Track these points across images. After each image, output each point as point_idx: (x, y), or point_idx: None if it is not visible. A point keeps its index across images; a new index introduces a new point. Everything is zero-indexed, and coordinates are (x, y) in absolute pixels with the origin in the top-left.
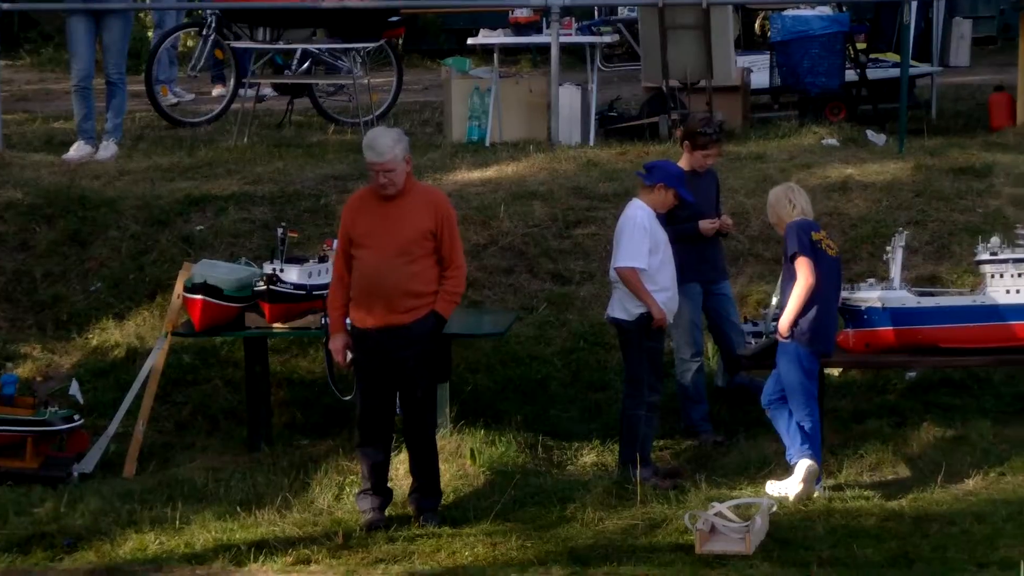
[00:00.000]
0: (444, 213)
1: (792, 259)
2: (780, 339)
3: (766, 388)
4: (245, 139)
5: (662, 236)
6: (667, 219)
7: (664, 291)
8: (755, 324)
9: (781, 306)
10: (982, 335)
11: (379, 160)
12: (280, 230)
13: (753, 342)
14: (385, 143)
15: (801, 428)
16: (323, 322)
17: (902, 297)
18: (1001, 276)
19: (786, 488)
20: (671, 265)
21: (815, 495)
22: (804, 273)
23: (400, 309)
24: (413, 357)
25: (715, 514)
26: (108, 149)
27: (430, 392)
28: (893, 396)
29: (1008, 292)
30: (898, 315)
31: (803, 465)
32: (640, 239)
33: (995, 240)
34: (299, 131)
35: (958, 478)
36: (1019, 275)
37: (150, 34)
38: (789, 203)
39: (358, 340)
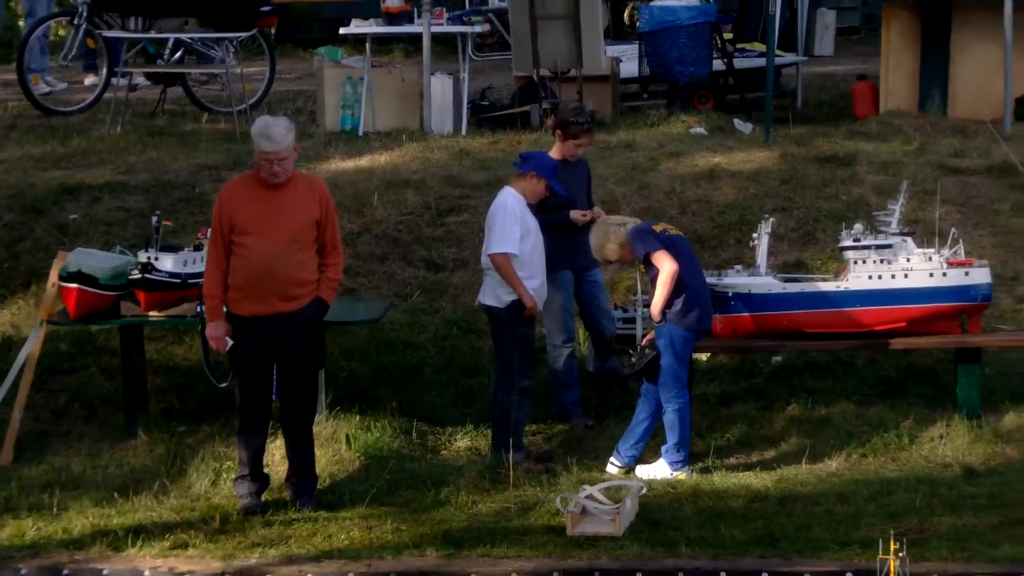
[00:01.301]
0: (327, 201)
1: (647, 260)
2: (655, 323)
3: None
4: (118, 128)
5: (533, 223)
6: (538, 208)
7: (534, 278)
8: (625, 311)
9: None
10: (846, 320)
11: (273, 149)
12: (155, 219)
13: (641, 335)
14: (279, 131)
15: (677, 417)
16: (199, 310)
17: (768, 283)
18: (864, 262)
19: (655, 471)
20: (541, 252)
21: (683, 477)
22: (665, 263)
23: (290, 296)
24: (303, 343)
25: (586, 497)
26: None
27: (313, 378)
28: (759, 380)
29: (871, 278)
30: (764, 301)
31: (677, 459)
32: (512, 225)
33: (858, 227)
34: (173, 120)
35: (822, 459)
36: (881, 261)
37: (21, 23)
38: (619, 228)
39: (242, 328)
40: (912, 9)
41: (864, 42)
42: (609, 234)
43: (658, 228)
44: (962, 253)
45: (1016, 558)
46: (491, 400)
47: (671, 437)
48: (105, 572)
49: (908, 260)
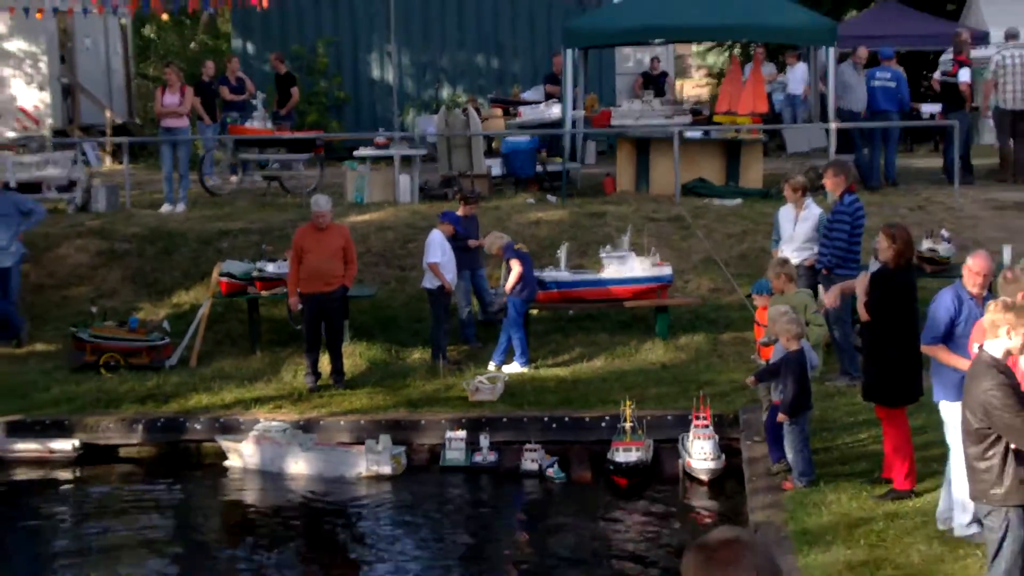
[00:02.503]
0: (347, 236)
1: (509, 260)
2: (507, 296)
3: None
4: (245, 202)
5: (448, 247)
6: (451, 239)
7: (449, 273)
8: (495, 291)
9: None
10: (604, 293)
11: (320, 211)
12: (264, 246)
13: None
14: (324, 201)
15: (520, 341)
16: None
17: (564, 275)
18: (612, 263)
19: (512, 368)
20: (453, 260)
21: (526, 371)
22: (516, 268)
23: (328, 283)
24: (336, 306)
25: (478, 381)
26: None
27: (341, 323)
28: (563, 323)
29: (617, 271)
30: (563, 284)
31: (522, 362)
32: (436, 247)
33: (608, 247)
34: (273, 198)
35: (594, 361)
36: (620, 262)
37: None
38: (499, 239)
39: (305, 299)
40: (631, 141)
41: (610, 157)
42: (493, 243)
43: (517, 246)
44: (658, 259)
45: (685, 409)
46: (429, 334)
47: (518, 349)
48: (240, 419)
49: (634, 262)
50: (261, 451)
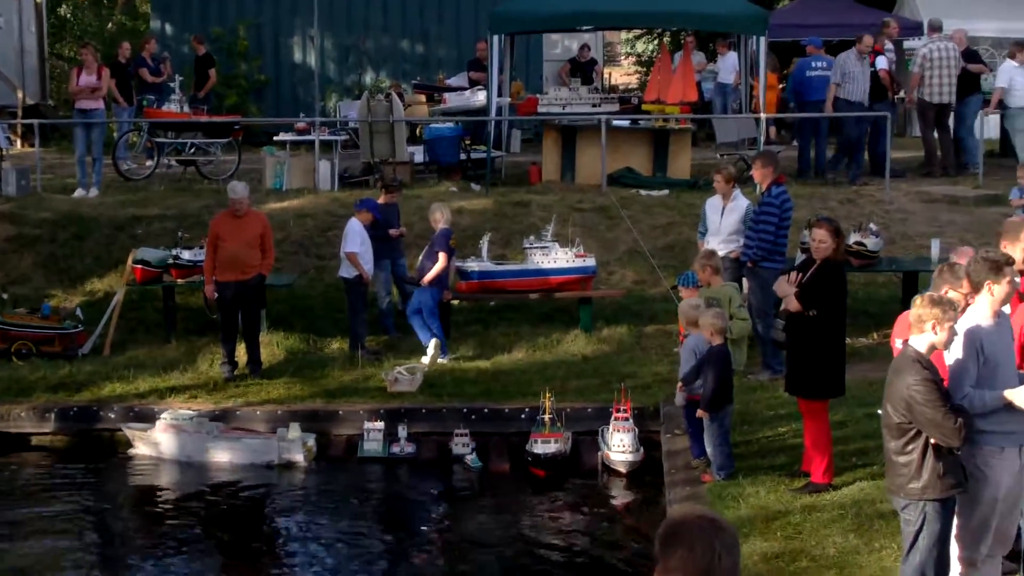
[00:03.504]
0: (265, 224)
1: (436, 252)
2: (423, 286)
3: (410, 306)
4: (161, 187)
5: (366, 236)
6: (371, 228)
7: (367, 264)
8: (411, 280)
9: (421, 272)
10: (525, 284)
11: (237, 197)
12: (180, 233)
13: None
14: (241, 188)
15: (430, 328)
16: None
17: (487, 265)
18: (535, 254)
19: (431, 358)
20: (370, 250)
21: (446, 362)
22: (442, 258)
23: (245, 271)
24: (253, 295)
25: (397, 372)
26: None
27: (258, 312)
28: (483, 314)
29: (540, 261)
30: (485, 274)
31: (434, 345)
32: (354, 235)
33: (532, 237)
34: (189, 183)
35: (516, 353)
36: (544, 253)
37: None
38: (440, 215)
39: (221, 287)
40: (558, 129)
41: (536, 145)
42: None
43: (452, 242)
44: (582, 250)
45: (606, 401)
46: (348, 323)
47: (427, 336)
48: (156, 409)
49: (558, 253)
50: (169, 439)
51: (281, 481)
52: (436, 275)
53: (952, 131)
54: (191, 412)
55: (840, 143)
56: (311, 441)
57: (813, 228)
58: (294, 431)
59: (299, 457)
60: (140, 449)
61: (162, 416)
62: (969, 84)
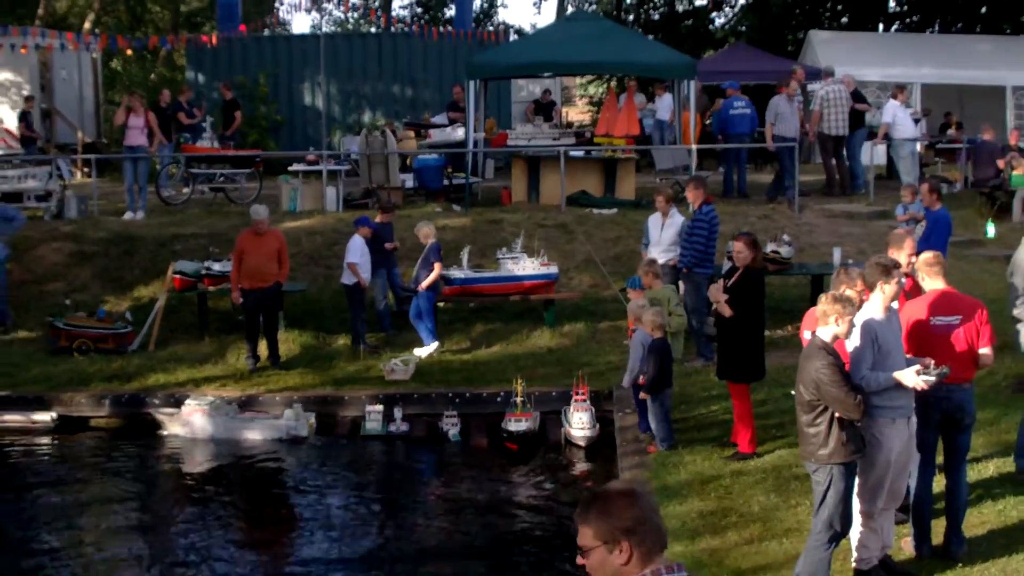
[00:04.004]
0: (282, 240)
1: (431, 263)
2: (422, 290)
3: (412, 310)
4: (196, 210)
5: (366, 249)
6: (369, 243)
7: (366, 272)
8: (406, 288)
9: (417, 281)
10: (499, 288)
11: (259, 219)
12: (212, 248)
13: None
14: (262, 210)
15: (428, 328)
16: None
17: (468, 272)
18: (507, 263)
19: (424, 351)
20: (369, 261)
21: (435, 354)
22: (437, 269)
23: (265, 280)
24: (272, 299)
25: (393, 363)
26: None
27: (276, 314)
28: (465, 312)
29: (512, 269)
30: (466, 280)
31: (431, 345)
32: (356, 249)
33: (504, 249)
34: (220, 207)
35: (495, 347)
36: (514, 262)
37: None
38: (428, 230)
39: (245, 293)
40: (524, 159)
41: (506, 172)
42: (425, 232)
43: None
44: (546, 259)
45: (567, 386)
46: (351, 322)
47: (427, 334)
48: (190, 395)
49: (526, 262)
50: (194, 421)
51: (293, 454)
52: (433, 280)
53: (845, 159)
54: (212, 397)
55: (776, 173)
56: (312, 419)
57: (734, 241)
58: (297, 410)
59: (304, 432)
60: (171, 430)
61: (187, 402)
62: (856, 120)
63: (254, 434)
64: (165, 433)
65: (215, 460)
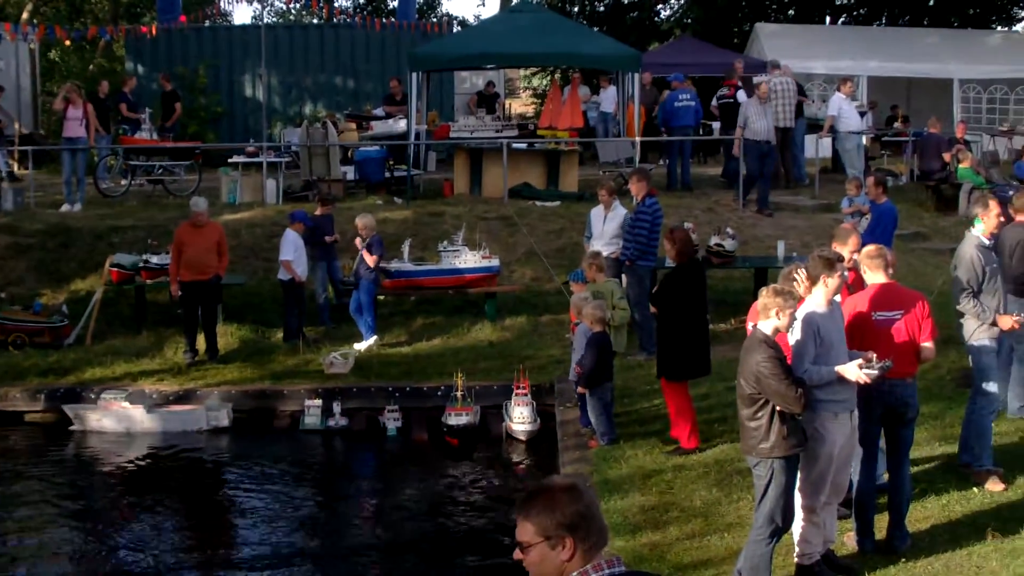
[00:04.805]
0: (221, 232)
1: (374, 252)
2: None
3: (352, 303)
4: (135, 202)
5: (300, 244)
6: (308, 235)
7: (301, 267)
8: (347, 280)
9: (358, 274)
10: (439, 282)
11: (198, 210)
12: (150, 241)
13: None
14: (202, 202)
15: (368, 322)
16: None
17: (408, 266)
18: (449, 255)
19: (363, 345)
20: (304, 255)
21: (375, 348)
22: (368, 259)
23: (205, 272)
24: (212, 292)
25: (332, 356)
26: None
27: (216, 306)
28: (408, 306)
29: (453, 262)
30: (405, 273)
31: (371, 339)
32: (289, 245)
33: (446, 242)
34: (159, 199)
35: (434, 340)
36: (456, 255)
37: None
38: (371, 224)
39: (184, 286)
40: (467, 151)
41: (448, 164)
42: (365, 223)
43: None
44: (488, 252)
45: (508, 380)
46: (284, 318)
47: (366, 328)
48: (129, 390)
49: (467, 255)
50: (112, 415)
51: (228, 448)
52: (375, 262)
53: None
54: (124, 390)
55: (745, 178)
56: (229, 408)
57: (665, 238)
58: (218, 400)
59: (225, 422)
60: (89, 425)
61: (103, 395)
62: (796, 111)
63: (175, 425)
64: (83, 428)
65: (143, 453)
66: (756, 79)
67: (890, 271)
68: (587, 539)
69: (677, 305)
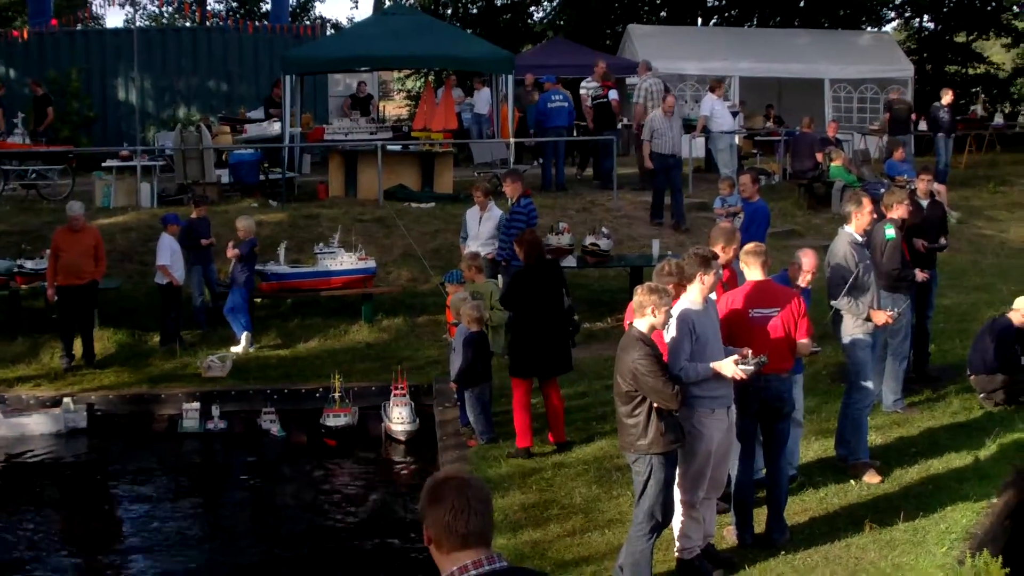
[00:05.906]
0: (98, 236)
1: (243, 253)
2: (237, 285)
3: (226, 305)
4: (7, 207)
5: (177, 248)
6: (184, 238)
7: (178, 271)
8: (222, 283)
9: (234, 277)
10: (314, 284)
11: (74, 215)
12: (24, 245)
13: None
14: (77, 206)
15: (242, 323)
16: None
17: (284, 268)
18: (325, 257)
19: (239, 348)
20: (181, 259)
21: (252, 350)
22: (234, 256)
23: (81, 277)
24: (87, 297)
25: (210, 360)
26: None
27: (92, 311)
28: (284, 308)
29: (329, 264)
30: (280, 275)
31: (246, 337)
32: (165, 249)
33: (321, 244)
34: (32, 204)
35: (321, 339)
36: (331, 257)
37: None
38: (251, 227)
39: (61, 291)
40: (341, 154)
41: (323, 167)
42: (245, 225)
43: (256, 248)
44: (364, 253)
45: (386, 380)
46: (161, 321)
47: (240, 328)
48: (5, 396)
49: (343, 256)
50: None
51: (78, 449)
52: (236, 255)
53: None
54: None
55: (654, 193)
56: (83, 410)
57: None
58: (72, 402)
59: (82, 424)
60: None
61: None
62: None
63: (32, 428)
64: None
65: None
66: (629, 80)
67: (767, 268)
68: (449, 535)
69: (525, 305)
